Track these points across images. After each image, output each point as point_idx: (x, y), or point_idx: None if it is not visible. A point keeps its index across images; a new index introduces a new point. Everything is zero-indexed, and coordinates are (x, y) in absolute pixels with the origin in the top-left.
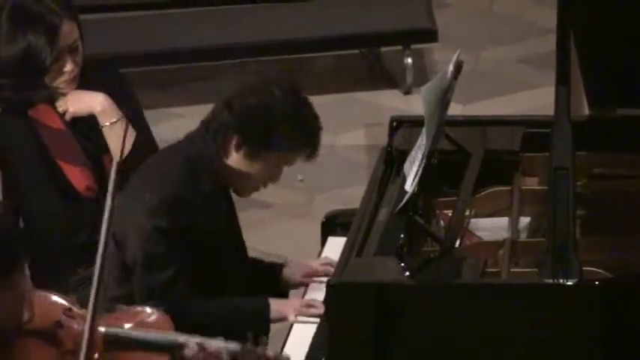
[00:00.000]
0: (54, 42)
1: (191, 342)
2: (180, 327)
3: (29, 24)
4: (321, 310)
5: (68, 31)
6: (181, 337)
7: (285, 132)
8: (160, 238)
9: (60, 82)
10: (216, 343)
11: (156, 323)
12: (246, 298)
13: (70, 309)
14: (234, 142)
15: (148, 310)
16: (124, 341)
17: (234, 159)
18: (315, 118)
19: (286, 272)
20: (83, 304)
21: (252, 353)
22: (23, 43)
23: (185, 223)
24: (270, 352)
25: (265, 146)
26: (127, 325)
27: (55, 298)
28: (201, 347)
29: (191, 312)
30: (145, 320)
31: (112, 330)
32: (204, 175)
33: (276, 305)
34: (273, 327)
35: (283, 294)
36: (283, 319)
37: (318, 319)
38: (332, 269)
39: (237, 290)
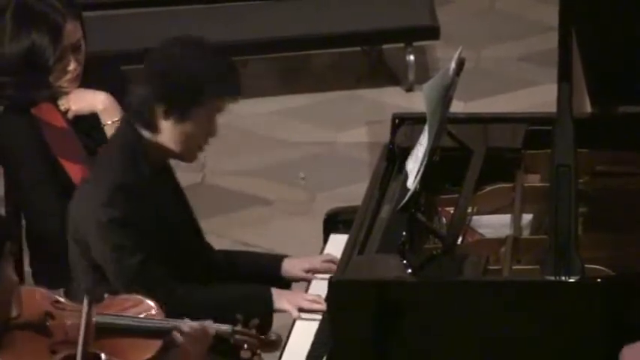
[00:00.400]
0: (58, 41)
1: (181, 326)
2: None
3: (33, 23)
4: (324, 306)
5: (72, 30)
6: (171, 322)
7: (204, 81)
8: (119, 228)
9: (63, 80)
10: (207, 325)
11: (145, 309)
12: (249, 288)
13: (57, 301)
14: (160, 112)
15: (137, 297)
16: (115, 328)
17: (167, 129)
18: (224, 56)
19: (286, 265)
20: (70, 297)
21: (243, 335)
22: (27, 41)
23: (135, 209)
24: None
25: (191, 103)
26: (117, 313)
27: (43, 291)
28: (192, 330)
29: (190, 302)
30: (134, 307)
31: (103, 319)
32: (140, 159)
33: (278, 296)
34: (276, 323)
35: (284, 286)
36: (284, 310)
37: (320, 316)
38: (334, 266)
39: (194, 275)
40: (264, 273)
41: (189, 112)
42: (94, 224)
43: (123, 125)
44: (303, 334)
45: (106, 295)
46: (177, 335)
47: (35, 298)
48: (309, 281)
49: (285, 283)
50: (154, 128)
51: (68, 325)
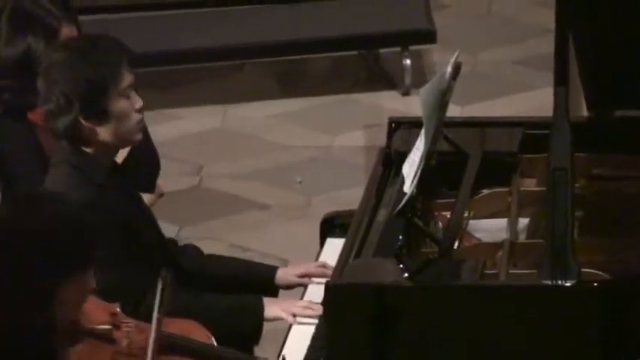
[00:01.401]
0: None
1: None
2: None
3: (29, 27)
4: (317, 312)
5: (67, 33)
6: (233, 353)
7: (96, 68)
8: None
9: None
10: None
11: (199, 334)
12: (241, 296)
13: (115, 313)
14: (83, 122)
15: (189, 321)
16: (175, 348)
17: (100, 133)
18: (96, 38)
19: (280, 273)
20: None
21: None
22: (23, 45)
23: (100, 220)
24: None
25: (101, 95)
26: (173, 332)
27: (103, 302)
28: None
29: (183, 308)
30: (186, 327)
31: (171, 337)
32: (91, 167)
33: (270, 304)
34: (272, 328)
35: (274, 294)
36: (277, 318)
37: (316, 321)
38: (328, 271)
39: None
40: (258, 280)
41: (107, 107)
42: None
43: (59, 149)
44: (299, 338)
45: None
46: None
47: (98, 307)
48: (305, 286)
49: (275, 292)
50: (91, 141)
51: (132, 337)
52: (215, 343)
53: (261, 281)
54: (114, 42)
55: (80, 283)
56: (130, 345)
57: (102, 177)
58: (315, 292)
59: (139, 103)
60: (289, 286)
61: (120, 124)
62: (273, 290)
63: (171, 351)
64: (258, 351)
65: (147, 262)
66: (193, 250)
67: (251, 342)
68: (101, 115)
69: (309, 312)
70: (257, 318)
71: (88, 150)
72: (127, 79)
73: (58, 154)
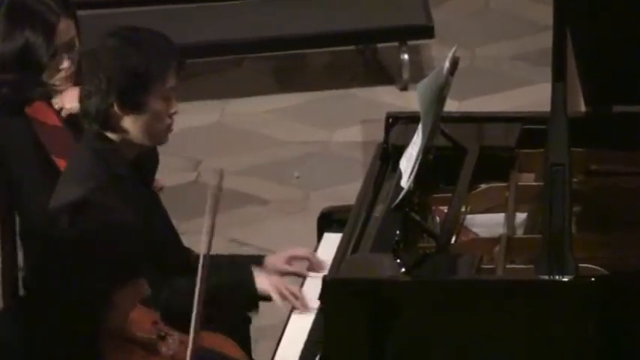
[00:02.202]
0: (51, 39)
1: None
2: (168, 304)
3: (27, 21)
4: (298, 303)
5: (65, 28)
6: None
7: (146, 65)
8: (95, 229)
9: (56, 79)
10: None
11: (228, 347)
12: (230, 271)
13: (157, 322)
14: (116, 110)
15: (222, 336)
16: None
17: (130, 125)
18: (153, 34)
19: (268, 260)
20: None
21: None
22: (21, 40)
23: (112, 209)
24: None
25: (142, 91)
26: (211, 347)
27: (143, 308)
28: None
29: (178, 287)
30: (219, 343)
31: (203, 351)
32: (113, 156)
33: (260, 277)
34: (269, 322)
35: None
36: (265, 292)
37: (315, 310)
38: (314, 255)
39: (172, 271)
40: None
41: (145, 102)
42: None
43: (88, 134)
44: (296, 333)
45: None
46: None
47: (142, 314)
48: (302, 276)
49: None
50: (118, 129)
51: (174, 348)
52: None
53: (240, 268)
54: (169, 43)
55: (132, 289)
56: (173, 356)
57: (122, 168)
58: (314, 285)
59: (174, 108)
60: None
61: (151, 122)
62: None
63: None
64: (255, 348)
65: (158, 259)
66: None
67: (250, 311)
68: (136, 107)
69: (291, 299)
70: (250, 288)
71: (114, 137)
72: (172, 81)
73: (84, 140)
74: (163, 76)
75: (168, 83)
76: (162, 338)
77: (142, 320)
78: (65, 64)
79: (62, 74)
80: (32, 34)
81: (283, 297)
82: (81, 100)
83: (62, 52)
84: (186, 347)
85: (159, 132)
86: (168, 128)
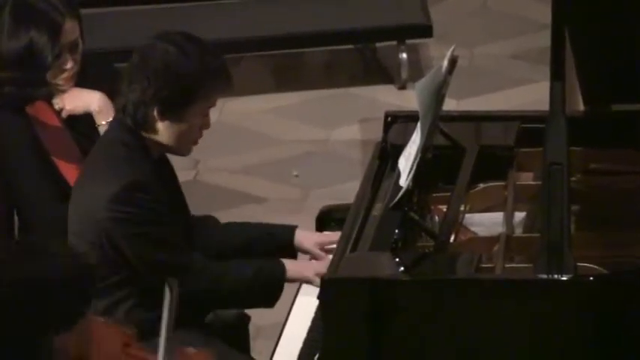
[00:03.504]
0: (56, 39)
1: None
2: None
3: (32, 20)
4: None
5: (70, 28)
6: None
7: (197, 80)
8: (139, 221)
9: (59, 79)
10: None
11: None
12: (262, 261)
13: (129, 343)
14: (155, 113)
15: (203, 352)
16: None
17: (163, 129)
18: (211, 52)
19: (299, 236)
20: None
21: None
22: (25, 39)
23: (148, 201)
24: None
25: (185, 103)
26: None
27: (114, 330)
28: None
29: (208, 275)
30: None
31: None
32: (141, 155)
33: (293, 266)
34: (268, 321)
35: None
36: (303, 279)
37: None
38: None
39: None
40: (276, 243)
41: (184, 113)
42: (110, 222)
43: (117, 125)
44: (295, 332)
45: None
46: None
47: (112, 333)
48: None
49: (293, 255)
50: (151, 130)
51: None
52: None
53: (280, 244)
54: (221, 60)
55: (79, 329)
56: None
57: (148, 164)
58: (307, 298)
59: (207, 124)
60: (304, 252)
61: (185, 132)
62: (292, 253)
63: None
64: (255, 347)
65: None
66: (211, 221)
67: (267, 306)
68: (175, 116)
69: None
70: (279, 283)
71: (143, 134)
72: (214, 101)
73: (116, 135)
74: (209, 95)
75: (211, 102)
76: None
77: (109, 340)
78: (69, 64)
79: (65, 74)
80: (37, 34)
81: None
82: (119, 91)
83: (66, 52)
84: None
85: (187, 143)
86: (195, 142)
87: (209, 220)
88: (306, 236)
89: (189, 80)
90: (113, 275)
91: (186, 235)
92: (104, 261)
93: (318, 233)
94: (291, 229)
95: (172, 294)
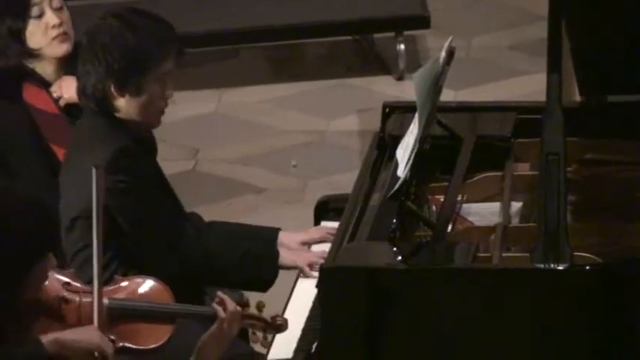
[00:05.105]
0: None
1: (215, 306)
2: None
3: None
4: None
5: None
6: (180, 307)
7: (144, 49)
8: (130, 191)
9: (50, 39)
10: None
11: (156, 293)
12: (254, 241)
13: (69, 283)
14: (112, 90)
15: (148, 280)
16: (128, 313)
17: (125, 106)
18: (154, 18)
19: (282, 238)
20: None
21: (252, 319)
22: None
23: (138, 169)
24: (268, 317)
25: (138, 73)
26: (129, 297)
27: (55, 273)
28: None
29: (201, 255)
30: (145, 290)
31: (116, 302)
32: (118, 131)
33: (287, 253)
34: (268, 310)
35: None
36: (294, 267)
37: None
38: (330, 237)
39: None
40: (260, 244)
41: (142, 84)
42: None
43: (88, 110)
44: (293, 321)
45: (117, 277)
46: (220, 311)
47: (49, 281)
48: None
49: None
50: (113, 108)
51: (81, 309)
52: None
53: (264, 244)
54: (168, 27)
55: (44, 267)
56: (80, 318)
57: (128, 139)
58: (306, 286)
59: (169, 92)
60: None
61: (146, 104)
62: (274, 254)
63: (122, 319)
64: (253, 337)
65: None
66: (195, 218)
67: (262, 289)
68: (132, 88)
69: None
70: (273, 265)
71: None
72: (168, 66)
73: (91, 118)
74: (160, 61)
75: (165, 67)
76: (67, 302)
77: (48, 286)
78: (54, 19)
79: (54, 32)
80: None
81: (314, 266)
82: (78, 78)
83: (47, 7)
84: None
85: (152, 114)
86: (162, 111)
87: (193, 217)
88: (290, 237)
89: (137, 50)
90: (108, 249)
91: (176, 206)
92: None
93: (302, 232)
94: (275, 230)
95: (99, 175)
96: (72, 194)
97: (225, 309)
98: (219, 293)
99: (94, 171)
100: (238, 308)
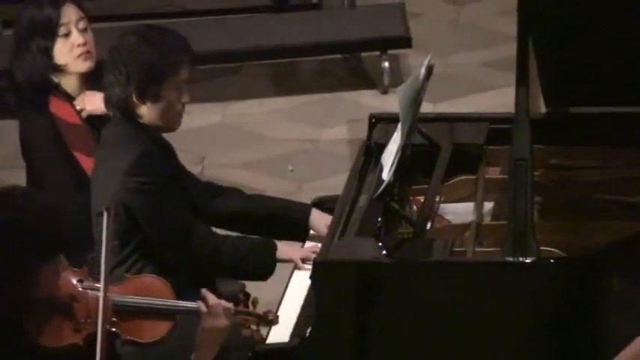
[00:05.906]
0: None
1: (201, 303)
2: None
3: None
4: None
5: (71, 10)
6: (182, 303)
7: (160, 59)
8: (152, 190)
9: (74, 57)
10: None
11: (159, 290)
12: (254, 238)
13: (81, 280)
14: (134, 99)
15: (151, 277)
16: (132, 309)
17: (146, 112)
18: (167, 33)
19: (315, 215)
20: (95, 277)
21: (245, 314)
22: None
23: (162, 170)
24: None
25: (157, 82)
26: (133, 294)
27: (68, 271)
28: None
29: (210, 251)
30: (149, 287)
31: (120, 299)
32: (142, 135)
33: (283, 247)
34: (266, 298)
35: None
36: (289, 260)
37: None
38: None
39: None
40: (293, 218)
41: (160, 92)
42: (126, 193)
43: (114, 117)
44: (288, 312)
45: (127, 275)
46: (202, 306)
47: (63, 280)
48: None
49: (306, 231)
50: (136, 115)
51: (91, 306)
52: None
53: (296, 221)
54: (181, 40)
55: (54, 267)
56: (89, 315)
57: (151, 143)
58: (301, 278)
59: (186, 97)
60: (317, 232)
61: (165, 109)
62: (305, 230)
63: (131, 314)
64: None
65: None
66: (235, 192)
67: (261, 278)
68: (151, 96)
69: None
70: (271, 258)
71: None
72: (184, 73)
73: (117, 125)
74: (175, 70)
75: (181, 76)
76: (76, 300)
77: (62, 284)
78: (80, 39)
79: (79, 50)
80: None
81: (308, 260)
82: (104, 89)
83: (73, 28)
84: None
85: (171, 118)
86: (180, 114)
87: (236, 192)
88: (321, 217)
89: (153, 62)
90: (127, 246)
91: (191, 204)
92: (121, 232)
93: (330, 216)
94: (308, 207)
95: (109, 215)
96: (101, 190)
97: (207, 304)
98: (203, 290)
99: (105, 214)
100: (225, 303)
